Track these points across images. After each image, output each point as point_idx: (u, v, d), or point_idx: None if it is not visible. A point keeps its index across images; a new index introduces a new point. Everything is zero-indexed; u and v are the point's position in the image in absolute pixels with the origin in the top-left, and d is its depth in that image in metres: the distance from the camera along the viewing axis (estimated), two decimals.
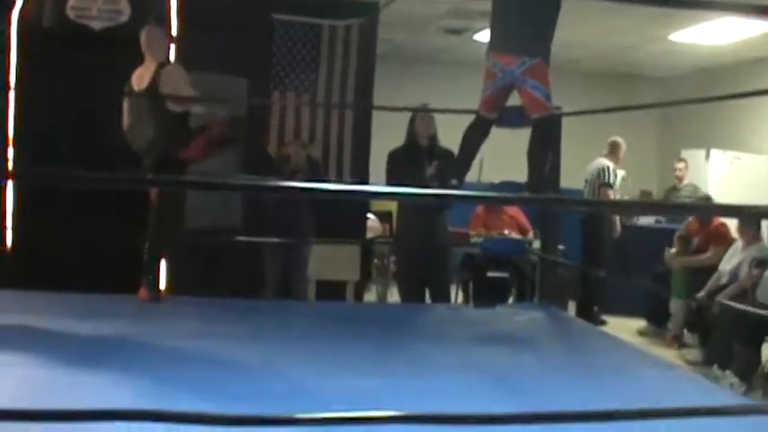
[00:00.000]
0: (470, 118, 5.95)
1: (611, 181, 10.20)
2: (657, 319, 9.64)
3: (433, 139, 7.01)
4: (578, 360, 4.85)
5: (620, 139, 10.37)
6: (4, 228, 7.64)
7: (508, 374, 4.25)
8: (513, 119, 5.98)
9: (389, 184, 6.98)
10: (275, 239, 7.40)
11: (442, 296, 7.23)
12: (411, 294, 7.15)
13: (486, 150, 6.06)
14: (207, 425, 2.06)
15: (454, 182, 6.00)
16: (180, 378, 3.72)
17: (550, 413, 2.39)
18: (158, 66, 6.07)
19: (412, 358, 4.54)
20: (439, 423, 2.40)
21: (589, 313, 9.50)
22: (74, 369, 3.82)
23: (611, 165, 10.24)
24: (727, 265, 8.38)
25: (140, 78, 6.09)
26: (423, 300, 7.19)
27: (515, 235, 9.45)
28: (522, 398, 3.73)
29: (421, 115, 7.05)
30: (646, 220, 11.08)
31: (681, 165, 11.45)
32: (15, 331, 4.51)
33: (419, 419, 2.20)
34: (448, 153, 6.74)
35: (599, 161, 10.31)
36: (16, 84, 7.64)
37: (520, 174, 6.05)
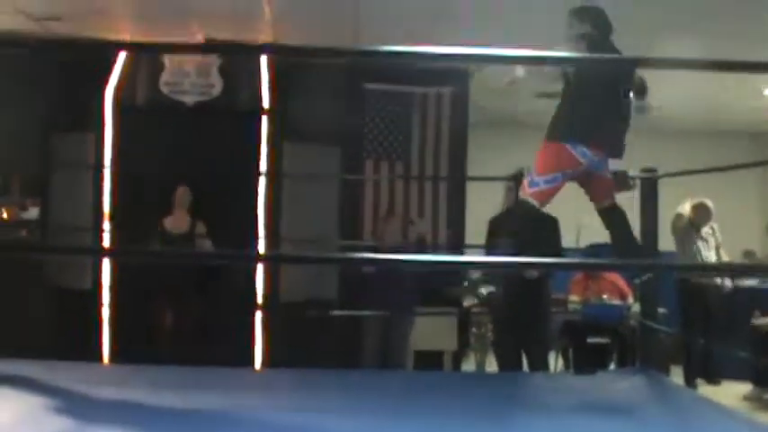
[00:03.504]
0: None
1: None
2: (765, 382, 9.35)
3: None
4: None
5: (700, 201, 10.19)
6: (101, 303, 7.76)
7: None
8: None
9: (488, 250, 6.93)
10: (373, 312, 7.38)
11: (540, 364, 7.10)
12: (509, 362, 7.04)
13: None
14: None
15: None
16: None
17: None
18: None
19: (509, 430, 4.44)
20: None
21: (692, 379, 9.28)
22: None
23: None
24: None
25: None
26: (520, 367, 7.07)
27: (615, 300, 9.31)
28: None
29: (509, 185, 6.95)
30: (750, 282, 10.86)
31: None
32: (114, 406, 4.53)
33: None
34: (550, 219, 6.60)
35: None
36: (111, 160, 7.79)
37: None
